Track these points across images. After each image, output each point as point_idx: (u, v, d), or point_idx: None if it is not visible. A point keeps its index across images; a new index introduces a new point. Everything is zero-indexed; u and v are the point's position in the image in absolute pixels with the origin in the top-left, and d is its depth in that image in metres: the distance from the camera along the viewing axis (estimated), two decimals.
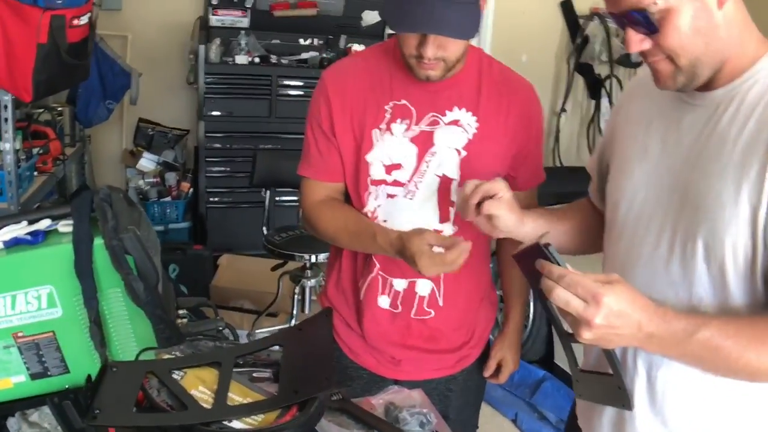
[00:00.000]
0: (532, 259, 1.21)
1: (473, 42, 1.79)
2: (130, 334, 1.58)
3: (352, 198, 1.90)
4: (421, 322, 1.88)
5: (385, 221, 1.81)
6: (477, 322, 2.01)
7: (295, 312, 3.83)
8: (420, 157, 1.78)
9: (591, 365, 1.48)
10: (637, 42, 1.22)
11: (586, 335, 1.12)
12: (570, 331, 1.17)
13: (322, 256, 3.53)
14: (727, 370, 1.20)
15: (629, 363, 1.37)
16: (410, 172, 1.79)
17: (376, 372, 1.95)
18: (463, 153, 1.77)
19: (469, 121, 1.78)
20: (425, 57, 1.62)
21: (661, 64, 1.24)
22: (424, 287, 1.86)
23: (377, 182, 1.81)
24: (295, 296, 3.76)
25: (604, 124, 6.72)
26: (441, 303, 1.87)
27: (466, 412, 2.11)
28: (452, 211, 1.80)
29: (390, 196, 1.80)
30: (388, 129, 1.78)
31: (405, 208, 1.80)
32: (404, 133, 1.78)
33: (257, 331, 3.91)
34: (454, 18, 1.55)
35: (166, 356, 1.38)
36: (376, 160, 1.80)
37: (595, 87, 6.84)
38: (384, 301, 1.87)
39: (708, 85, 1.26)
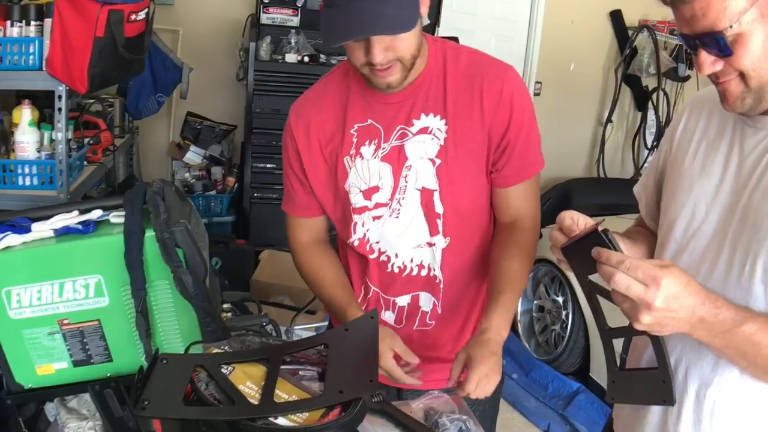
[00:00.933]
0: (586, 247, 1.20)
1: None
2: (175, 327, 1.60)
3: (338, 229, 1.88)
4: (423, 333, 1.86)
5: (377, 242, 1.78)
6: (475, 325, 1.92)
7: None
8: (397, 174, 1.72)
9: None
10: (710, 64, 1.21)
11: (645, 319, 1.12)
12: (620, 324, 1.21)
13: None
14: (765, 370, 1.20)
15: (679, 380, 1.36)
16: (389, 192, 1.73)
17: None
18: (438, 161, 1.69)
19: (438, 126, 1.69)
20: (376, 63, 1.54)
21: (731, 84, 1.23)
22: (426, 301, 1.83)
23: (359, 210, 1.77)
24: None
25: (649, 137, 6.66)
26: (440, 311, 1.84)
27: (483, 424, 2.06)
28: (440, 223, 1.73)
29: (376, 218, 1.76)
30: (358, 153, 1.73)
31: (393, 227, 1.76)
32: (374, 153, 1.72)
33: (295, 327, 3.91)
34: (387, 13, 1.48)
35: (215, 350, 1.39)
36: (353, 188, 1.76)
37: (642, 99, 6.80)
38: (389, 317, 1.86)
39: None
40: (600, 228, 1.20)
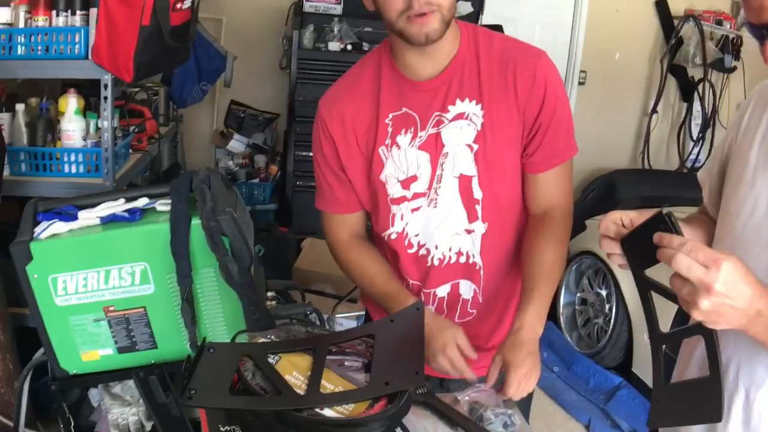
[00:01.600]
0: (647, 236, 1.18)
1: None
2: (220, 315, 1.61)
3: (375, 222, 1.86)
4: (464, 324, 1.81)
5: (417, 235, 1.77)
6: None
7: None
8: (434, 163, 1.70)
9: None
10: None
11: (704, 304, 1.08)
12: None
13: None
14: None
15: (730, 379, 1.33)
16: (427, 181, 1.72)
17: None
18: (475, 147, 1.68)
19: (474, 111, 1.67)
20: (415, 5, 1.51)
21: None
22: (466, 289, 1.82)
23: (398, 201, 1.75)
24: None
25: (695, 128, 6.56)
26: (481, 299, 1.83)
27: None
28: (479, 209, 1.72)
29: (414, 210, 1.75)
30: (394, 143, 1.72)
31: (432, 217, 1.74)
32: (411, 142, 1.70)
33: (337, 316, 3.92)
34: None
35: (262, 340, 1.39)
36: (390, 178, 1.74)
37: (688, 90, 6.69)
38: (429, 308, 1.83)
39: None
40: (664, 211, 1.18)
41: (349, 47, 5.12)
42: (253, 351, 1.33)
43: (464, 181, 1.70)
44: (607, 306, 4.26)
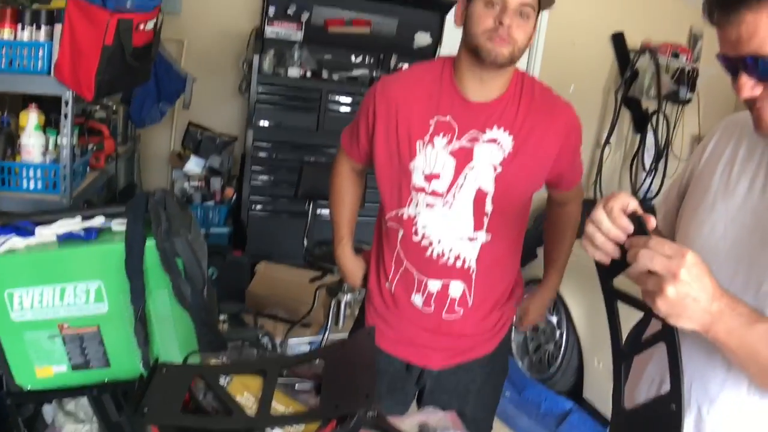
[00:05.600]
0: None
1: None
2: (173, 335, 1.61)
3: (388, 203, 2.04)
4: (451, 322, 2.00)
5: (424, 227, 1.94)
6: (506, 309, 2.12)
7: (329, 324, 3.84)
8: (458, 170, 1.91)
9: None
10: (749, 88, 1.20)
11: (670, 290, 1.10)
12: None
13: None
14: None
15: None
16: (448, 183, 1.92)
17: (409, 361, 2.08)
18: (499, 169, 1.90)
19: (506, 139, 1.90)
20: (504, 24, 1.78)
21: (766, 111, 1.23)
22: (456, 289, 1.97)
23: (418, 189, 1.94)
24: (331, 309, 3.78)
25: (648, 159, 6.69)
26: (470, 303, 1.99)
27: (481, 413, 2.19)
28: (486, 220, 1.93)
29: (429, 205, 1.93)
30: (431, 141, 1.92)
31: (443, 217, 1.93)
32: (445, 146, 1.91)
33: (290, 340, 3.94)
34: None
35: (214, 361, 1.40)
36: (417, 169, 1.94)
37: (642, 122, 6.83)
38: (417, 300, 1.99)
39: None
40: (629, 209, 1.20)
41: (308, 74, 5.17)
42: (205, 372, 1.34)
43: (480, 195, 1.91)
44: (558, 332, 4.32)
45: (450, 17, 5.43)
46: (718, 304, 1.14)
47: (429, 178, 1.92)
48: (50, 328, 1.56)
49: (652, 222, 1.19)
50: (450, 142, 1.91)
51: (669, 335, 1.19)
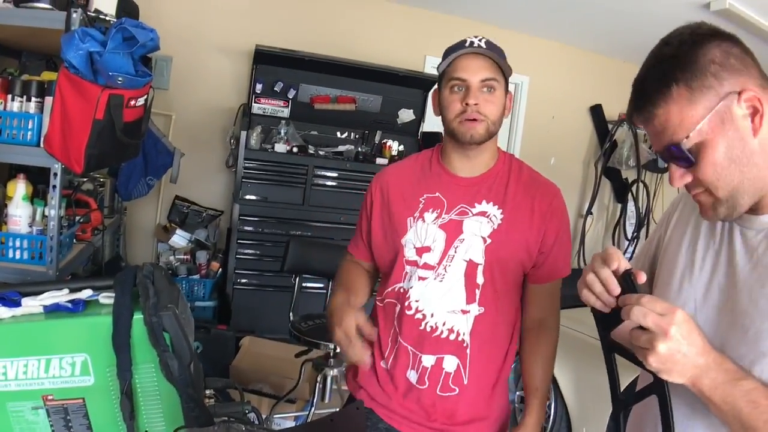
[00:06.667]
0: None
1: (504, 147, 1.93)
2: (159, 410, 1.61)
3: (385, 279, 2.07)
4: (445, 399, 1.96)
5: (417, 301, 1.95)
6: (500, 399, 2.08)
7: (315, 400, 3.80)
8: (449, 243, 1.94)
9: None
10: (678, 177, 1.28)
11: (661, 348, 1.15)
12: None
13: None
14: None
15: None
16: (439, 256, 1.94)
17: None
18: (489, 241, 1.93)
19: (495, 213, 1.95)
20: (471, 104, 1.88)
21: (701, 197, 1.30)
22: (450, 364, 1.95)
23: (410, 263, 1.97)
24: (317, 384, 3.75)
25: (629, 228, 6.76)
26: (466, 381, 1.96)
27: None
28: (477, 293, 1.93)
29: (421, 278, 1.95)
30: (421, 217, 1.97)
31: (435, 289, 1.94)
32: (434, 220, 1.96)
33: (275, 416, 3.89)
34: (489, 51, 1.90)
35: None
36: (408, 243, 1.98)
37: (622, 191, 6.95)
38: (412, 376, 1.97)
39: (757, 209, 1.30)
40: (622, 269, 1.26)
41: (295, 149, 5.24)
42: None
43: (471, 267, 1.93)
44: (544, 415, 4.28)
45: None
46: (705, 359, 1.19)
47: (420, 251, 1.95)
48: (34, 400, 1.56)
49: (642, 277, 1.25)
50: (439, 216, 1.96)
51: (660, 388, 1.25)
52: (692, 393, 1.23)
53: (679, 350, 1.16)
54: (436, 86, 2.03)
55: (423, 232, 1.96)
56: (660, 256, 1.56)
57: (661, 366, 1.18)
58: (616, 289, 1.25)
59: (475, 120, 1.90)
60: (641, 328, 1.19)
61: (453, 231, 1.94)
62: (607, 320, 1.30)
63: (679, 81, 1.22)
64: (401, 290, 1.99)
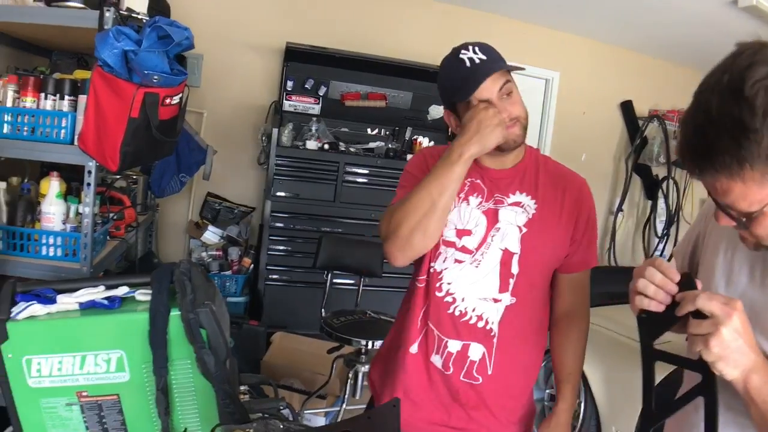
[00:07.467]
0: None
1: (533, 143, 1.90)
2: (194, 406, 1.61)
3: (418, 260, 2.01)
4: (469, 387, 1.95)
5: (450, 284, 1.93)
6: (526, 398, 2.08)
7: (346, 396, 3.81)
8: (488, 230, 1.93)
9: None
10: (725, 220, 1.25)
11: (724, 332, 1.16)
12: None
13: (378, 343, 3.54)
14: None
15: None
16: (478, 241, 1.93)
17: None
18: (524, 230, 1.93)
19: (529, 203, 1.95)
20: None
21: (745, 236, 1.28)
22: (476, 352, 1.94)
23: (448, 243, 1.94)
24: (348, 380, 3.76)
25: (660, 225, 6.68)
26: (490, 371, 1.94)
27: None
28: (511, 282, 1.92)
29: (457, 261, 1.93)
30: (466, 199, 1.95)
31: (470, 275, 1.92)
32: (478, 205, 1.95)
33: (305, 411, 3.90)
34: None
35: None
36: (450, 223, 1.94)
37: (652, 188, 6.86)
38: (437, 360, 1.96)
39: None
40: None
41: (326, 146, 5.25)
42: None
43: (506, 255, 1.92)
44: (576, 401, 4.26)
45: None
46: (756, 356, 1.18)
47: (460, 233, 1.94)
48: (68, 396, 1.56)
49: (699, 283, 1.25)
50: (482, 202, 1.95)
51: (709, 387, 1.23)
52: (728, 395, 1.23)
53: (738, 339, 1.16)
54: (444, 108, 2.00)
55: (466, 215, 1.94)
56: (699, 253, 1.55)
57: (721, 353, 1.17)
58: (676, 277, 1.25)
59: (510, 127, 1.87)
60: (699, 319, 1.19)
61: (491, 219, 1.94)
62: (657, 323, 1.29)
63: (754, 166, 1.11)
64: (433, 270, 1.96)
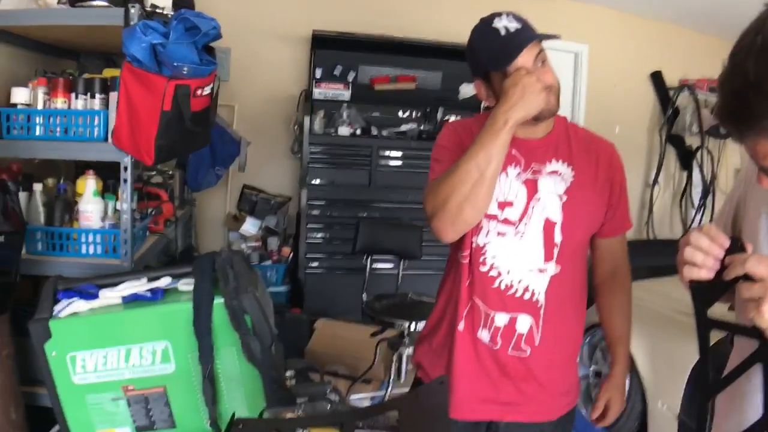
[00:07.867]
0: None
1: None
2: (241, 393, 1.61)
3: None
4: (518, 360, 1.93)
5: (494, 257, 1.90)
6: (571, 368, 2.06)
7: (391, 379, 3.81)
8: (528, 200, 1.90)
9: None
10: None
11: None
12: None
13: (421, 324, 3.52)
14: None
15: None
16: (520, 212, 1.90)
17: (473, 419, 1.99)
18: (564, 198, 1.91)
19: (566, 171, 1.93)
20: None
21: None
22: (523, 324, 1.92)
23: (490, 216, 1.90)
24: (393, 364, 3.75)
25: (696, 196, 6.60)
26: (537, 342, 1.92)
27: None
28: (556, 251, 1.91)
29: (500, 234, 1.90)
30: (504, 170, 1.90)
31: (514, 246, 1.89)
32: (517, 176, 1.91)
33: (351, 397, 3.91)
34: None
35: (290, 415, 1.39)
36: None
37: (687, 158, 6.76)
38: (484, 335, 1.93)
39: None
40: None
41: (358, 131, 5.24)
42: (282, 425, 1.33)
43: (549, 225, 1.90)
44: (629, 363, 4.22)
45: None
46: None
47: (502, 205, 1.90)
48: (114, 391, 1.57)
49: (749, 246, 1.21)
50: (520, 173, 1.92)
51: (766, 354, 1.19)
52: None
53: None
54: (475, 78, 1.93)
55: (507, 186, 1.91)
56: (741, 218, 1.51)
57: None
58: (726, 242, 1.22)
59: (547, 95, 1.82)
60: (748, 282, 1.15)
61: (531, 189, 1.91)
62: (709, 291, 1.24)
63: None
64: (476, 245, 1.93)
